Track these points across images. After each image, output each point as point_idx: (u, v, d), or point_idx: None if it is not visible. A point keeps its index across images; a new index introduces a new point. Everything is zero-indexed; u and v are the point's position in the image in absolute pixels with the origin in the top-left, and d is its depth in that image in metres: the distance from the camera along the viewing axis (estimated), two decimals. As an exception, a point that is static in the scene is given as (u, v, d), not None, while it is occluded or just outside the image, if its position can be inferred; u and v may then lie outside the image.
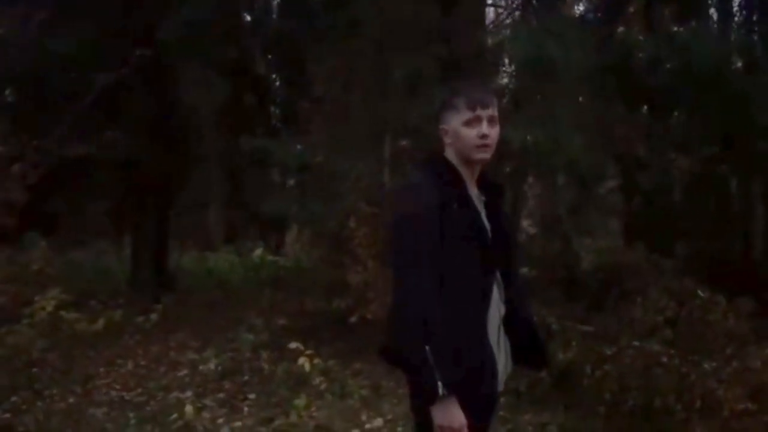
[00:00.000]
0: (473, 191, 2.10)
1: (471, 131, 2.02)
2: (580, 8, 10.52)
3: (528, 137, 4.15)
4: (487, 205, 2.11)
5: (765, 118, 7.41)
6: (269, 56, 9.21)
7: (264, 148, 5.96)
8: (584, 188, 9.57)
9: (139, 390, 5.58)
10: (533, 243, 10.34)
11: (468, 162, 2.07)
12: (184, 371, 6.11)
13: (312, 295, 7.65)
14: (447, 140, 2.09)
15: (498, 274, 2.07)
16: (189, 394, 5.33)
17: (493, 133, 2.05)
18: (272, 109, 10.53)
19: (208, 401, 5.13)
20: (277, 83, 10.16)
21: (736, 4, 11.36)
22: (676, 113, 7.70)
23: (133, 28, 7.22)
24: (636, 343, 3.95)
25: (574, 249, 10.07)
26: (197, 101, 7.24)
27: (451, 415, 1.83)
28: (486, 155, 2.05)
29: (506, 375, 2.12)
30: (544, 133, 4.13)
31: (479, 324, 1.99)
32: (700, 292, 4.02)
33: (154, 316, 7.82)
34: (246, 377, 5.66)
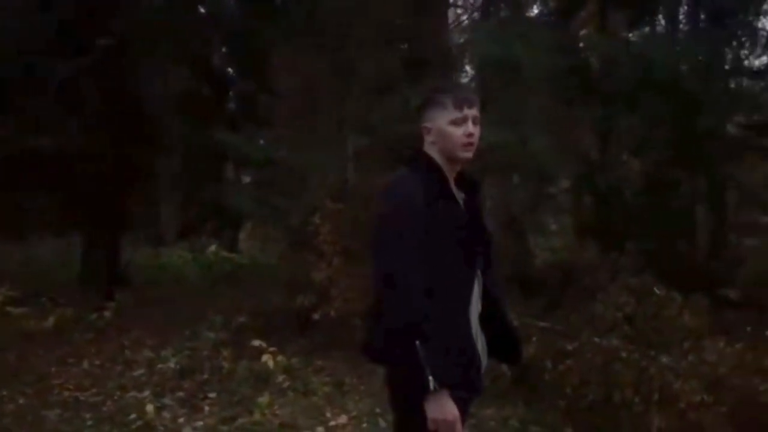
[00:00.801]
0: (453, 189, 2.13)
1: (457, 130, 2.05)
2: (535, 10, 10.75)
3: (494, 137, 4.21)
4: (465, 202, 2.14)
5: (712, 121, 7.72)
6: (229, 50, 9.06)
7: (228, 142, 5.85)
8: (539, 188, 9.77)
9: (95, 390, 5.42)
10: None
11: (451, 160, 2.10)
12: (141, 370, 5.96)
13: (271, 292, 7.58)
14: (429, 138, 2.11)
15: (478, 270, 2.10)
16: (147, 393, 5.20)
17: (477, 132, 2.09)
18: (230, 103, 10.37)
19: (167, 400, 5.03)
20: (236, 77, 10.00)
21: (683, 12, 11.80)
22: (631, 116, 7.92)
23: (94, 18, 7.01)
24: (596, 339, 4.05)
25: (529, 247, 10.30)
26: (156, 92, 7.06)
27: (444, 408, 1.85)
28: (470, 154, 2.09)
29: (483, 369, 2.14)
30: (511, 134, 4.20)
31: (465, 319, 2.03)
32: (656, 290, 4.15)
33: (107, 314, 7.63)
34: (206, 376, 5.55)
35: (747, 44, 11.52)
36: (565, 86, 5.26)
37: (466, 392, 1.99)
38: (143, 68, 7.08)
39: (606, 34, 8.85)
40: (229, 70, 10.41)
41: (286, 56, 6.54)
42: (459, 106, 2.05)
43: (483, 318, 2.11)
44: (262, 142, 5.93)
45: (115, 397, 5.18)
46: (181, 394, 5.19)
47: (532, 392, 4.29)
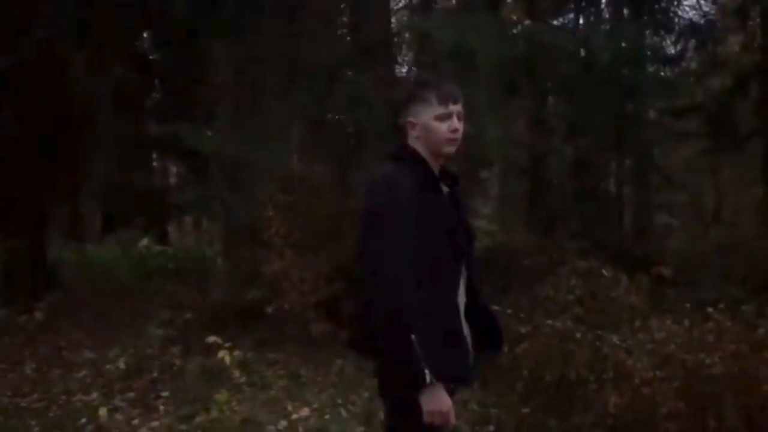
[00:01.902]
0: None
1: (442, 125, 2.07)
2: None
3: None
4: (449, 196, 2.17)
5: (641, 106, 8.09)
6: (164, 39, 8.72)
7: (171, 134, 5.66)
8: (473, 173, 9.98)
9: (36, 395, 5.18)
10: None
11: (435, 155, 2.12)
12: (84, 372, 5.74)
13: (213, 285, 7.44)
14: (414, 133, 2.12)
15: (463, 264, 2.13)
16: (95, 395, 5.02)
17: (461, 127, 2.12)
18: (165, 94, 10.01)
19: (117, 401, 4.87)
20: (173, 67, 9.63)
21: (604, 2, 12.27)
22: (566, 103, 8.21)
23: (27, 10, 6.58)
24: (549, 322, 4.20)
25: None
26: (90, 85, 6.73)
27: (439, 399, 1.89)
28: (454, 149, 2.12)
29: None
30: (467, 126, 4.24)
31: (455, 310, 2.07)
32: (604, 272, 4.34)
33: (38, 315, 7.29)
34: (156, 374, 5.41)
35: (663, 32, 12.13)
36: (511, 75, 5.37)
37: (456, 382, 2.04)
38: (79, 59, 6.72)
39: (538, 22, 9.10)
40: (163, 59, 10.04)
41: (227, 45, 6.35)
42: (444, 102, 2.06)
43: (467, 309, 2.15)
44: (208, 133, 5.76)
45: (60, 402, 4.97)
46: (131, 394, 5.04)
47: (490, 375, 4.40)
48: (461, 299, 2.11)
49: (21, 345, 6.69)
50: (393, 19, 8.42)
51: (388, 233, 1.94)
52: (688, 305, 4.16)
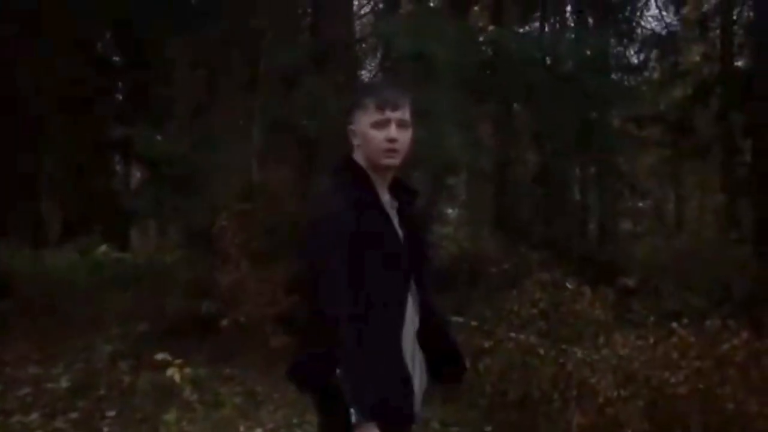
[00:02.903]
0: (385, 197, 1.98)
1: (378, 134, 1.89)
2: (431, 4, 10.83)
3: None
4: (399, 211, 2.00)
5: (605, 113, 8.11)
6: (120, 38, 8.41)
7: (122, 137, 5.40)
8: (440, 180, 9.90)
9: (-29, 416, 4.86)
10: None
11: (375, 167, 1.94)
12: (26, 389, 5.42)
13: (172, 296, 7.15)
14: (355, 142, 1.96)
15: (412, 284, 1.96)
16: (35, 416, 4.72)
17: (403, 137, 1.92)
18: (122, 95, 9.68)
19: (59, 423, 4.59)
20: (129, 67, 9.31)
21: (569, 10, 12.38)
22: (530, 109, 8.18)
23: None
24: (513, 335, 4.08)
25: (434, 239, 10.42)
26: (36, 82, 6.41)
27: None
28: (393, 161, 1.92)
29: (422, 391, 2.00)
30: (424, 130, 4.11)
31: (395, 339, 1.89)
32: (568, 284, 4.24)
33: (-18, 327, 6.93)
34: (103, 392, 5.13)
35: (627, 42, 12.28)
36: (475, 81, 5.27)
37: (399, 422, 1.86)
38: (23, 55, 6.39)
39: (503, 29, 9.07)
40: (120, 59, 9.72)
41: (185, 46, 6.12)
42: (380, 108, 1.88)
43: (421, 336, 1.98)
44: (159, 137, 5.51)
45: (-4, 424, 4.67)
46: (74, 414, 4.75)
47: (452, 391, 4.26)
48: (409, 327, 1.93)
49: (-39, 359, 6.31)
50: (357, 24, 8.29)
51: (323, 262, 1.81)
52: (652, 318, 4.09)
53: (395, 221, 1.97)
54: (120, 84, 9.30)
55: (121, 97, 9.70)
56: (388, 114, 1.89)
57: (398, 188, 2.02)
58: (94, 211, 10.93)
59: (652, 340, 3.52)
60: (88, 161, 9.55)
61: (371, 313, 1.83)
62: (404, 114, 1.92)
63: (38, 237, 13.87)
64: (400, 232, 1.96)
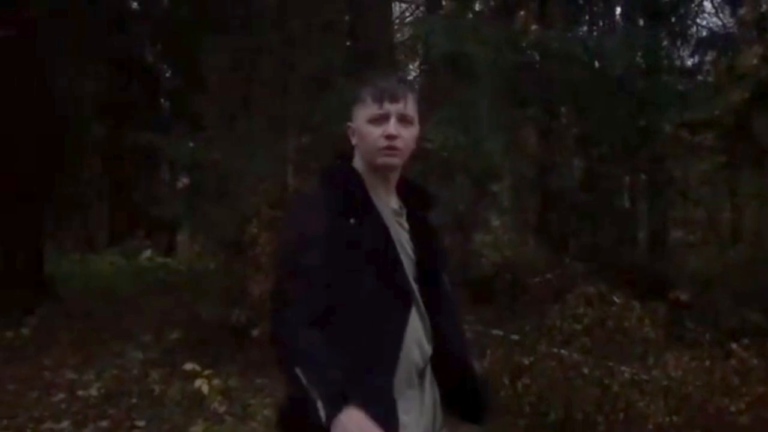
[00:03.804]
0: (388, 202, 1.72)
1: (375, 130, 1.64)
2: (477, 7, 10.62)
3: (447, 138, 3.92)
4: (410, 219, 1.74)
5: (658, 118, 7.75)
6: (160, 45, 8.47)
7: (152, 143, 5.36)
8: (483, 186, 9.63)
9: (5, 422, 4.85)
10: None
11: (373, 168, 1.69)
12: (61, 395, 5.41)
13: (207, 303, 7.10)
14: (353, 140, 1.71)
15: (421, 306, 1.68)
16: (65, 424, 4.69)
17: (406, 134, 1.67)
18: (162, 101, 9.76)
19: (89, 431, 4.54)
20: (168, 74, 9.39)
21: (618, 12, 11.97)
22: (577, 113, 7.87)
23: None
24: (555, 350, 3.83)
25: (475, 247, 10.15)
26: (74, 90, 6.46)
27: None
28: (392, 161, 1.67)
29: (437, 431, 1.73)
30: (465, 135, 3.92)
31: (386, 378, 1.59)
32: (615, 298, 3.95)
33: (25, 331, 7.02)
34: (134, 400, 5.08)
35: (679, 44, 11.80)
36: (516, 84, 5.03)
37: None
38: (59, 63, 6.45)
39: (544, 28, 8.78)
40: (160, 67, 9.82)
41: (220, 52, 6.06)
42: (378, 100, 1.64)
43: (436, 363, 1.71)
44: (191, 144, 5.44)
45: (28, 430, 4.64)
46: (104, 423, 4.70)
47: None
48: (412, 353, 1.64)
49: (3, 363, 6.38)
50: (398, 30, 8.14)
51: (298, 270, 1.57)
52: (707, 336, 3.78)
53: (402, 230, 1.71)
54: (157, 91, 9.37)
55: (162, 104, 9.79)
56: (387, 107, 1.64)
57: (409, 192, 1.77)
58: (137, 217, 11.07)
59: (708, 362, 3.21)
60: (129, 168, 9.66)
61: (356, 344, 1.56)
62: (406, 107, 1.67)
63: (86, 242, 14.19)
64: (405, 244, 1.69)
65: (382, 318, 1.61)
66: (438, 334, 1.70)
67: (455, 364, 1.74)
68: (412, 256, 1.69)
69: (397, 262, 1.65)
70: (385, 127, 1.64)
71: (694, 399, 3.06)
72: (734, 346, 3.28)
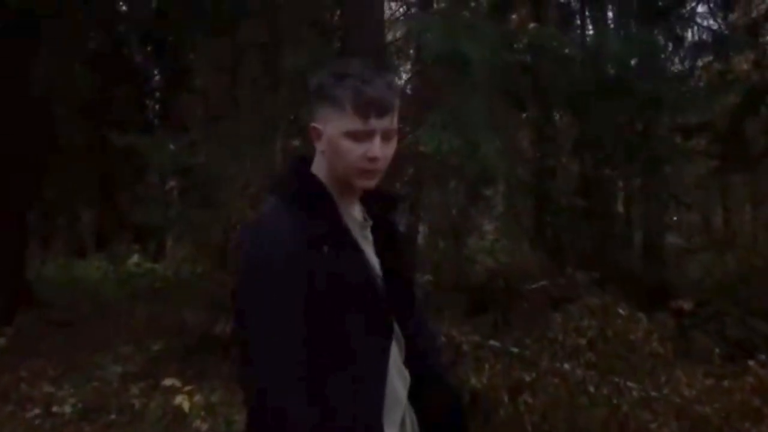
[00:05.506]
0: (354, 216, 1.50)
1: (356, 148, 1.39)
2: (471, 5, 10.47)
3: (442, 141, 3.69)
4: (374, 231, 1.53)
5: (659, 121, 7.57)
6: (146, 45, 8.20)
7: (134, 145, 5.11)
8: (476, 191, 9.45)
9: (-24, 440, 4.60)
10: (427, 247, 10.13)
11: (344, 185, 1.45)
12: (36, 410, 5.14)
13: (193, 310, 6.85)
14: (319, 146, 1.45)
15: (396, 328, 1.50)
16: (39, 442, 4.43)
17: (388, 151, 1.43)
18: (149, 102, 9.49)
19: (62, 451, 4.28)
20: (156, 75, 9.11)
21: (611, 12, 11.85)
22: (573, 116, 7.70)
23: None
24: (558, 365, 3.61)
25: (469, 253, 9.95)
26: (59, 91, 6.20)
27: None
28: (370, 183, 1.44)
29: None
30: (459, 138, 3.70)
31: (372, 409, 1.42)
32: (621, 310, 3.74)
33: (2, 340, 6.75)
34: (113, 416, 4.81)
35: (673, 47, 11.67)
36: (512, 85, 4.82)
37: None
38: (42, 62, 6.19)
39: (543, 27, 8.61)
40: (150, 68, 9.56)
41: (206, 52, 5.83)
42: (363, 113, 1.36)
43: (413, 388, 1.54)
44: (173, 147, 5.18)
45: (-2, 451, 4.39)
46: (80, 441, 4.45)
47: (486, 430, 3.80)
48: (393, 383, 1.48)
49: (-21, 373, 6.09)
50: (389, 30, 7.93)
51: (266, 309, 1.34)
52: (718, 351, 3.58)
53: (368, 245, 1.50)
54: (144, 93, 9.11)
55: (149, 105, 9.53)
56: (372, 124, 1.37)
57: (370, 195, 1.53)
58: (125, 221, 10.79)
59: (726, 383, 3.00)
60: (116, 171, 9.38)
61: (335, 386, 1.38)
62: (392, 121, 1.41)
63: (75, 247, 13.88)
64: (375, 263, 1.49)
65: (366, 357, 1.41)
66: (413, 352, 1.53)
67: (432, 385, 1.57)
68: (380, 272, 1.49)
69: (378, 294, 1.44)
70: (367, 147, 1.39)
71: (713, 421, 2.85)
72: (751, 363, 3.07)
